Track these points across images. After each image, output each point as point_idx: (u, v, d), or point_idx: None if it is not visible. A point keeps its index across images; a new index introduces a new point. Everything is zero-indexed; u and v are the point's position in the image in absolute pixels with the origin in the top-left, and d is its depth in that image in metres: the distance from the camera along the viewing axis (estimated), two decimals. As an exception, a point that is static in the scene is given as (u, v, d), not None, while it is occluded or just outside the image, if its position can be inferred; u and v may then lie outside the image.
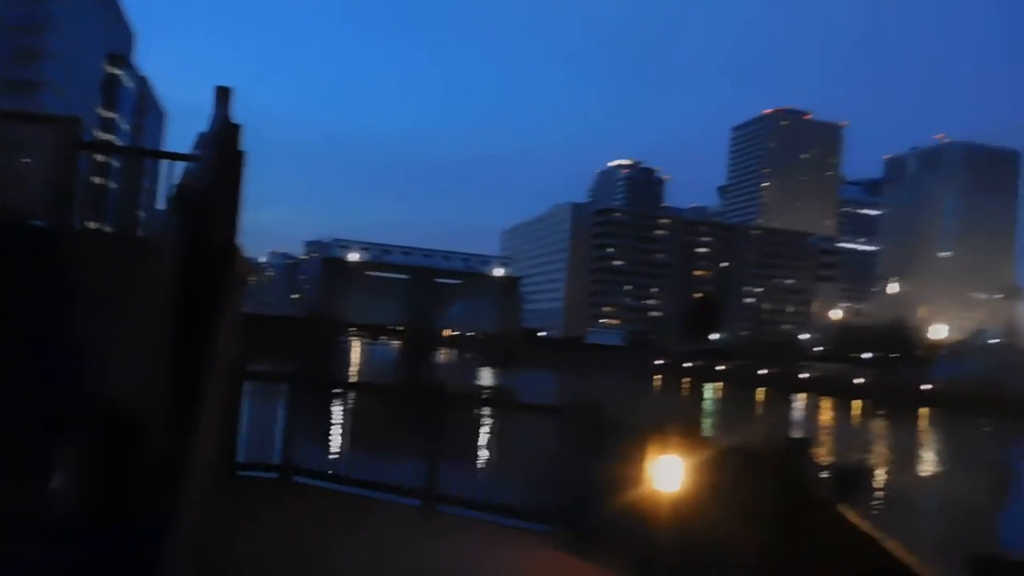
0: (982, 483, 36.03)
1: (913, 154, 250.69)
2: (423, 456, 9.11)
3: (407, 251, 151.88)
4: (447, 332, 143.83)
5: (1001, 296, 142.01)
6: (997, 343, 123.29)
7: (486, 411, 11.03)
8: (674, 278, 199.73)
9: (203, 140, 5.66)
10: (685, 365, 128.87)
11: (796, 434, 42.79)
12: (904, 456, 44.36)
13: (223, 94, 5.52)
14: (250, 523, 7.53)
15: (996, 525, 26.55)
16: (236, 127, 5.48)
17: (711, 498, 5.72)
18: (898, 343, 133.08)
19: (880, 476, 33.59)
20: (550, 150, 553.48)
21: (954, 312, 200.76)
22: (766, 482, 5.02)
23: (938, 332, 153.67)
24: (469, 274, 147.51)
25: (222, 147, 5.32)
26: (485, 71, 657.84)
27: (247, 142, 5.54)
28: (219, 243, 4.88)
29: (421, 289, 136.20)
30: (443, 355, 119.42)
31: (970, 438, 61.42)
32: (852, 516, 4.09)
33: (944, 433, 63.99)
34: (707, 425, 50.94)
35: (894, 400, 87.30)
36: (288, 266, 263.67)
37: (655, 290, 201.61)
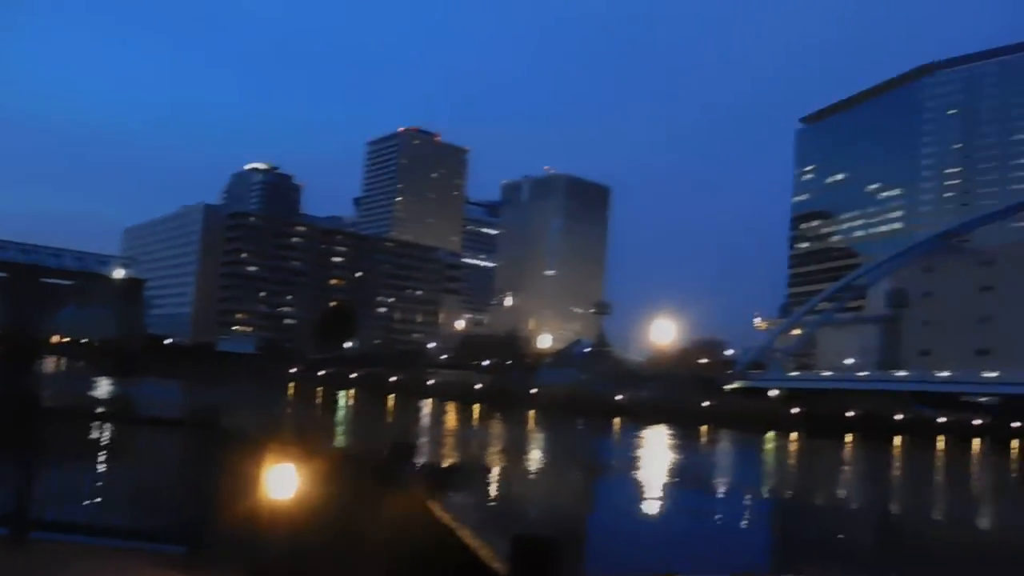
0: (574, 473, 41.46)
1: (526, 181, 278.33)
2: (9, 478, 8.16)
3: (1, 245, 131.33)
4: (56, 338, 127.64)
5: (593, 311, 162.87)
6: (589, 351, 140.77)
7: (98, 425, 10.16)
8: (309, 286, 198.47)
9: None
10: (319, 373, 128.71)
11: (415, 438, 45.25)
12: (511, 452, 48.92)
13: None
14: None
15: (579, 510, 30.54)
16: None
17: (321, 504, 6.07)
18: (511, 351, 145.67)
19: (486, 471, 36.76)
20: (180, 147, 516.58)
21: (557, 324, 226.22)
22: (368, 484, 5.52)
23: (544, 342, 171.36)
24: (84, 274, 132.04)
25: None
26: (95, 53, 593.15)
27: None
28: None
29: (22, 290, 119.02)
30: (51, 364, 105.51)
31: (566, 435, 69.69)
32: (438, 510, 4.73)
33: (545, 431, 71.55)
34: (335, 431, 51.47)
35: (507, 403, 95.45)
36: None
37: (290, 297, 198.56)
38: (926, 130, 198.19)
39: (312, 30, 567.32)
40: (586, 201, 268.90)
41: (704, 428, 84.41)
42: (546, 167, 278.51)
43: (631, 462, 48.59)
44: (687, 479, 42.21)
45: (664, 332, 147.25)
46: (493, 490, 32.43)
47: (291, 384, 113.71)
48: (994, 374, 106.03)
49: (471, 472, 34.91)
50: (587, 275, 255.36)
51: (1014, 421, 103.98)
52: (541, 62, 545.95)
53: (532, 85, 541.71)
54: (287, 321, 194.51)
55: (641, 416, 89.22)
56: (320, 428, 49.23)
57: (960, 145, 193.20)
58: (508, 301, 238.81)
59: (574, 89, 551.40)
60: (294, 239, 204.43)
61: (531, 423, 78.72)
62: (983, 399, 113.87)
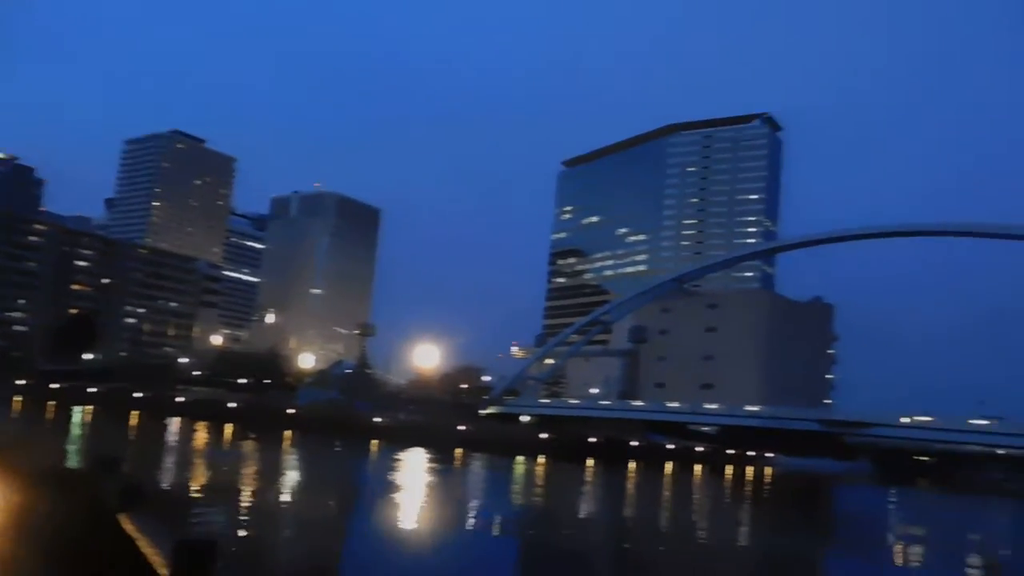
0: (315, 492, 41.84)
1: (295, 197, 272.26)
2: None
3: None
4: None
5: (358, 332, 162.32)
6: (351, 373, 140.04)
7: None
8: (46, 290, 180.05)
9: None
10: (53, 386, 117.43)
11: (123, 453, 43.54)
12: (252, 471, 48.26)
13: None
14: None
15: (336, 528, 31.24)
16: None
17: (16, 520, 6.64)
18: (270, 370, 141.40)
19: (207, 489, 36.37)
20: None
21: (320, 343, 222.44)
22: (65, 501, 6.27)
23: (306, 361, 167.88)
24: None
25: None
26: None
27: None
28: None
29: None
30: None
31: (320, 456, 69.35)
32: (126, 523, 5.68)
33: (299, 452, 70.72)
34: (53, 448, 47.86)
35: (263, 423, 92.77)
36: None
37: (23, 302, 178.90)
38: (669, 183, 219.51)
39: (72, 16, 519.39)
40: (356, 221, 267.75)
41: (459, 451, 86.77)
42: (316, 184, 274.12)
43: (381, 483, 49.65)
44: (438, 500, 43.99)
45: (427, 356, 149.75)
46: (209, 506, 32.35)
47: (17, 397, 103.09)
48: (715, 406, 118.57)
49: (180, 489, 34.54)
50: (353, 296, 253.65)
51: (729, 448, 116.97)
52: (316, 79, 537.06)
53: (307, 101, 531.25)
54: (17, 328, 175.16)
55: (399, 438, 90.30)
56: (35, 444, 45.67)
57: (696, 200, 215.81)
58: (270, 318, 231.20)
59: (351, 110, 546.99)
60: (31, 237, 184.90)
61: (286, 443, 77.32)
62: (705, 428, 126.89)
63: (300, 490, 43.01)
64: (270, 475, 47.14)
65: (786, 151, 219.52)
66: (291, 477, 49.36)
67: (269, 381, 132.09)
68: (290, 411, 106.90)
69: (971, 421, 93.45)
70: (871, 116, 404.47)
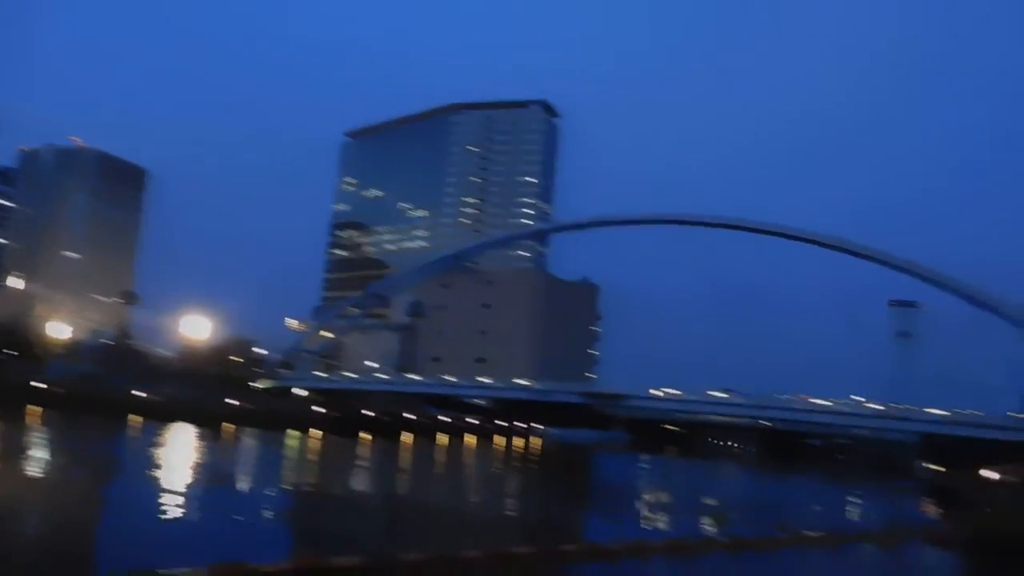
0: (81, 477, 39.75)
1: (48, 150, 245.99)
2: None
3: None
4: None
5: (119, 301, 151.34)
6: (110, 344, 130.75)
7: None
8: None
9: None
10: None
11: None
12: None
13: None
14: None
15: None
16: None
17: None
18: (17, 340, 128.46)
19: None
20: None
21: (76, 312, 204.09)
22: None
23: (58, 331, 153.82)
24: None
25: None
26: None
27: None
28: None
29: None
30: None
31: (70, 433, 64.83)
32: None
33: (48, 429, 65.71)
34: None
35: (6, 398, 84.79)
36: None
37: None
38: (451, 161, 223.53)
39: None
40: (119, 182, 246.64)
41: (229, 427, 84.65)
42: (73, 138, 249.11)
43: (139, 461, 47.62)
44: (202, 476, 43.27)
45: (196, 328, 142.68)
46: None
47: None
48: (488, 380, 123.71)
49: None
50: (115, 262, 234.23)
51: (501, 420, 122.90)
52: (81, 26, 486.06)
53: (69, 46, 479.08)
54: None
55: (164, 414, 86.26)
56: None
57: (477, 179, 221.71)
58: (17, 283, 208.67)
59: (124, 62, 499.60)
60: None
61: (31, 420, 71.42)
62: (479, 401, 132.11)
63: (40, 469, 40.51)
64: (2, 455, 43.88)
65: (563, 138, 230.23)
66: (30, 456, 45.84)
67: (14, 352, 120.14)
68: (38, 385, 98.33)
69: (711, 393, 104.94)
70: (644, 109, 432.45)
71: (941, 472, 74.50)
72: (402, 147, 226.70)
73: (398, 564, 21.82)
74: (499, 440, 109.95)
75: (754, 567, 29.80)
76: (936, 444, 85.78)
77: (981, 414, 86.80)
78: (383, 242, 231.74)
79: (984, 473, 63.87)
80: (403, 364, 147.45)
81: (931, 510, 59.67)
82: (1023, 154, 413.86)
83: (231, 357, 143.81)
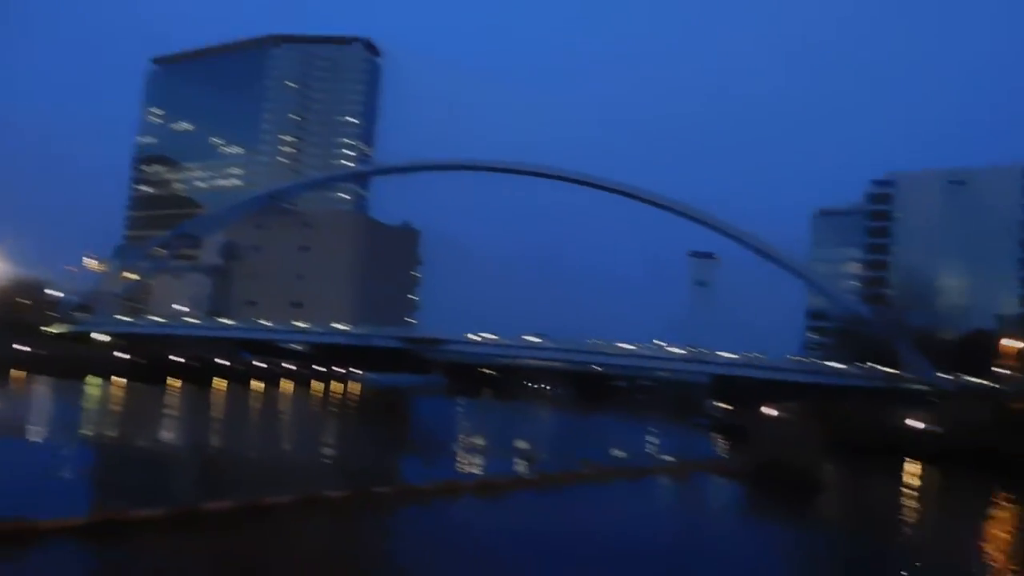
0: None
1: None
2: None
3: None
4: None
5: None
6: None
7: None
8: None
9: None
10: None
11: None
12: None
13: None
14: None
15: None
16: None
17: None
18: None
19: None
20: None
21: None
22: None
23: None
24: None
25: None
26: None
27: None
28: None
29: None
30: None
31: None
32: None
33: None
34: None
35: None
36: None
37: None
38: (269, 96, 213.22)
39: None
40: None
41: (18, 374, 78.53)
42: None
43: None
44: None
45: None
46: None
47: None
48: (306, 325, 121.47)
49: None
50: None
51: (319, 366, 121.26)
52: None
53: None
54: None
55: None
56: None
57: (295, 116, 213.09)
58: None
59: None
60: None
61: None
62: (297, 346, 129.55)
63: None
64: None
65: (387, 79, 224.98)
66: None
67: None
68: None
69: (526, 338, 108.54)
70: (483, 61, 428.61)
71: (730, 410, 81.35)
72: (215, 79, 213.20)
73: (202, 513, 21.48)
74: (317, 386, 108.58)
75: (559, 501, 31.73)
76: (726, 384, 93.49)
77: (764, 357, 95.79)
78: (194, 179, 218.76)
79: (766, 411, 70.24)
80: (215, 308, 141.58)
81: (720, 444, 65.30)
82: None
83: (19, 299, 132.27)
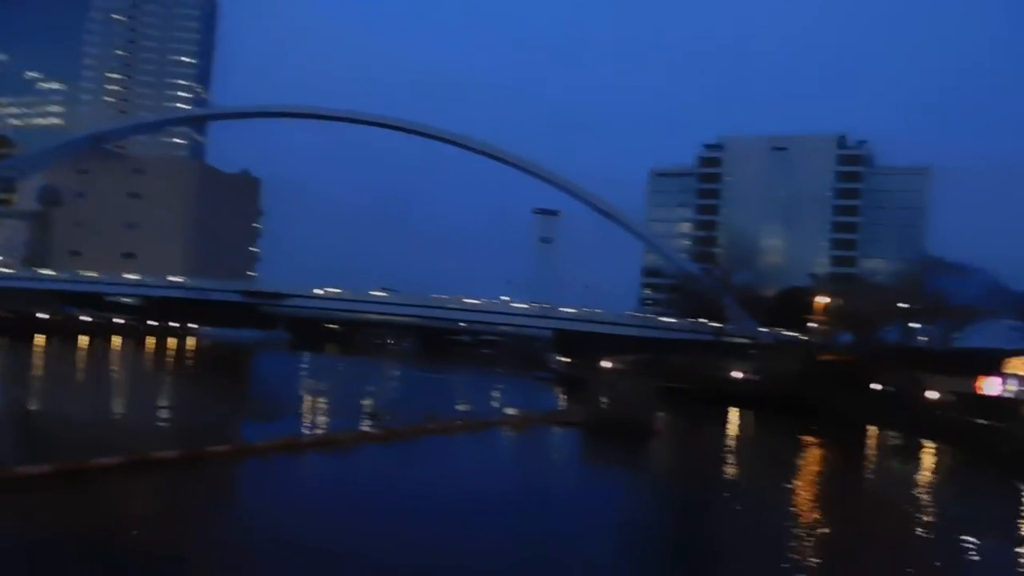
0: None
1: None
2: None
3: None
4: None
5: None
6: None
7: None
8: None
9: None
10: None
11: None
12: None
13: None
14: None
15: None
16: None
17: None
18: None
19: None
20: None
21: None
22: None
23: None
24: None
25: None
26: None
27: None
28: None
29: None
30: None
31: None
32: None
33: None
34: None
35: None
36: None
37: None
38: (92, 29, 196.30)
39: None
40: None
41: None
42: None
43: None
44: None
45: None
46: None
47: None
48: (137, 277, 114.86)
49: None
50: None
51: (153, 320, 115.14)
52: None
53: None
54: None
55: None
56: None
57: (123, 52, 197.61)
58: None
59: None
60: None
61: None
62: (127, 299, 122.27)
63: None
64: None
65: (225, 18, 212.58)
66: None
67: None
68: None
69: (371, 293, 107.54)
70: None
71: (571, 364, 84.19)
72: (31, 6, 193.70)
73: (17, 478, 20.25)
74: (151, 341, 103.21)
75: (403, 455, 32.06)
76: (568, 339, 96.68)
77: (604, 312, 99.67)
78: (6, 116, 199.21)
79: (604, 364, 73.35)
80: (34, 257, 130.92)
81: (561, 397, 67.70)
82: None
83: None
